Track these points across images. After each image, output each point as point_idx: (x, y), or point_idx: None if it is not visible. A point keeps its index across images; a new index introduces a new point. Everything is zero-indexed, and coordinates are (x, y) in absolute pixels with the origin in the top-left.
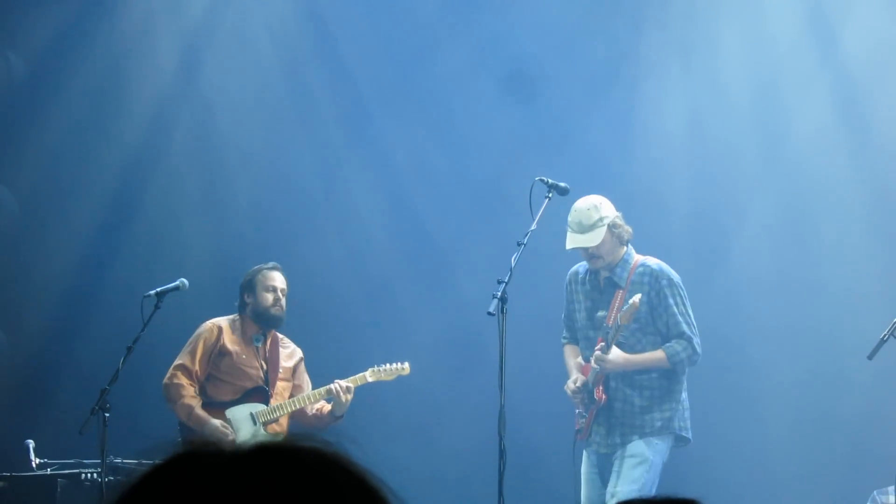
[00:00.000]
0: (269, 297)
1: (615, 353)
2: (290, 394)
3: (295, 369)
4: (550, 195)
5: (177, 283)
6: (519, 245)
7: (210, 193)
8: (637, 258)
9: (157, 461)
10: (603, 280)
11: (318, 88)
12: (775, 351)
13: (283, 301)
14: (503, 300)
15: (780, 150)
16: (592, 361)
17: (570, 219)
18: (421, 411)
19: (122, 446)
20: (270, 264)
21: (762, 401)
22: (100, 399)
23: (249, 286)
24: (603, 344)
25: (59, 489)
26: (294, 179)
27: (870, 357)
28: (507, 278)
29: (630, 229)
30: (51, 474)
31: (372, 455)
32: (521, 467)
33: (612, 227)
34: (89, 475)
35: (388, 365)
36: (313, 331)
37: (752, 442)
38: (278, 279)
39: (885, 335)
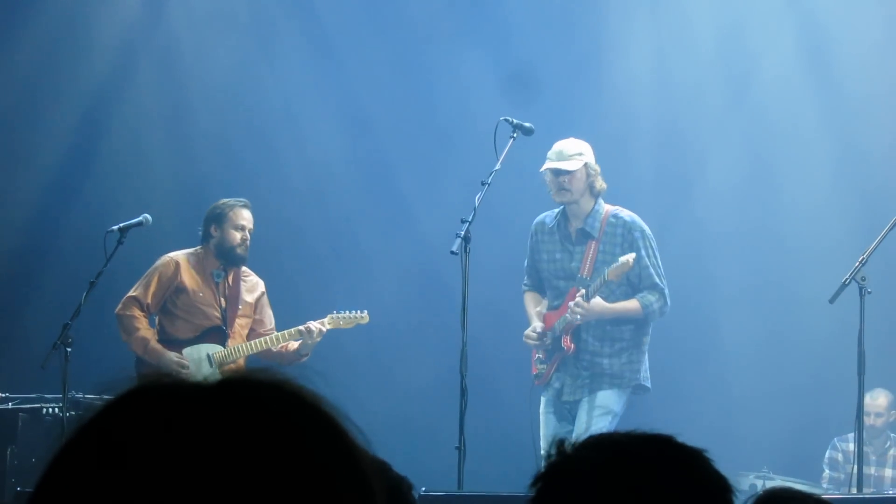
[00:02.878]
0: (238, 235)
1: (595, 301)
2: (250, 329)
3: (257, 303)
4: (515, 135)
5: (140, 218)
6: (483, 184)
7: (174, 129)
8: (608, 208)
9: (114, 394)
10: (575, 231)
11: (283, 24)
12: (736, 300)
13: (249, 240)
14: (466, 239)
15: (745, 96)
16: (570, 309)
17: (549, 152)
18: (383, 349)
19: (83, 381)
20: (241, 201)
21: (722, 351)
22: (62, 334)
23: (218, 220)
24: (583, 292)
25: (20, 423)
26: (258, 117)
27: (831, 301)
28: (470, 218)
29: (605, 185)
30: (12, 409)
31: (333, 393)
32: (482, 406)
33: (588, 167)
34: (51, 410)
35: (347, 312)
36: (275, 270)
37: (713, 393)
38: (248, 218)
39: (846, 279)
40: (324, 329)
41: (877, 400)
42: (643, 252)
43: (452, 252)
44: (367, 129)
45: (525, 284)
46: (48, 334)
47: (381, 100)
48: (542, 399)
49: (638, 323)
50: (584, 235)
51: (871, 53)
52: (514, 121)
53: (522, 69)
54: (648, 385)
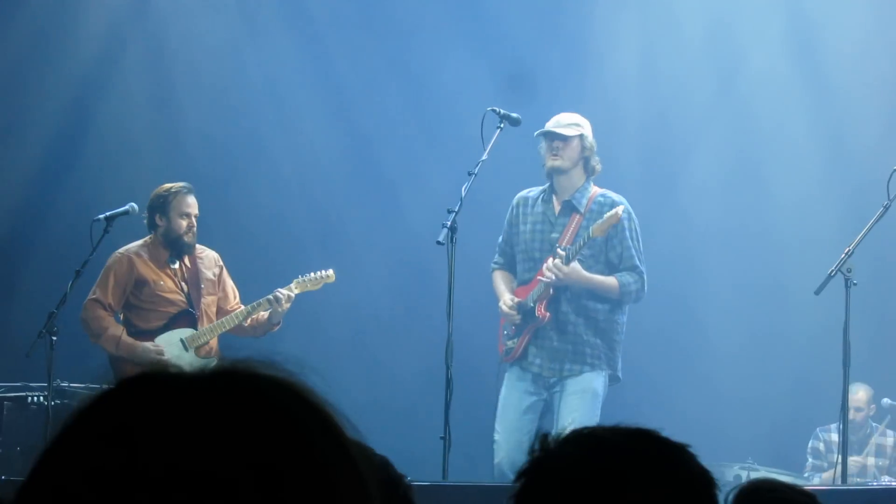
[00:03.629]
0: (183, 223)
1: (573, 266)
2: (217, 307)
3: (218, 279)
4: (502, 125)
5: (126, 207)
6: (469, 175)
7: (161, 118)
8: (596, 189)
9: (109, 384)
10: (560, 203)
11: (271, 13)
12: (721, 293)
13: (195, 227)
14: (453, 230)
15: (732, 91)
16: (547, 267)
17: (548, 123)
18: (369, 340)
19: (68, 370)
20: (185, 186)
21: (707, 344)
22: (47, 322)
23: (162, 208)
24: (562, 254)
25: (4, 411)
26: (245, 106)
27: (816, 292)
28: (457, 208)
29: (600, 166)
30: None
31: (319, 383)
32: (467, 396)
33: (584, 139)
34: (35, 398)
35: (311, 274)
36: (263, 260)
37: (698, 385)
38: (192, 204)
39: (832, 271)
40: (291, 294)
41: (856, 394)
42: (627, 233)
43: (439, 242)
44: (354, 118)
45: (495, 262)
46: (33, 323)
47: (368, 90)
48: (507, 377)
49: (613, 303)
50: (570, 208)
51: (858, 48)
52: (501, 111)
53: (510, 62)
54: (620, 376)
